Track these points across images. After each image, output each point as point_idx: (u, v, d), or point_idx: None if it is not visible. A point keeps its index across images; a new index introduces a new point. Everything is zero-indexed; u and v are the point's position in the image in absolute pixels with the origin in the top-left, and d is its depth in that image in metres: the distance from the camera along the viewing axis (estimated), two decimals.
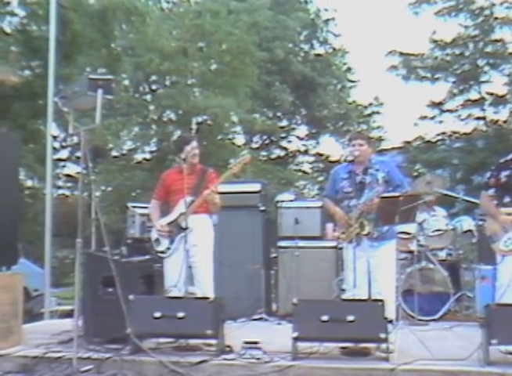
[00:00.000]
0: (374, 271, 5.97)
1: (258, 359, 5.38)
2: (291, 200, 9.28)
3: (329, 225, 8.79)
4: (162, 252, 6.38)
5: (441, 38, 25.39)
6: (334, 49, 30.01)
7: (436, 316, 7.93)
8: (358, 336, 5.40)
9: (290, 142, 30.56)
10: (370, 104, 30.47)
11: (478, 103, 25.55)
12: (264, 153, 29.14)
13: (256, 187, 8.84)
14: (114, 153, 23.84)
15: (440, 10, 24.88)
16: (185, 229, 6.08)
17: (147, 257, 6.68)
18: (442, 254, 8.72)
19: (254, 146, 28.84)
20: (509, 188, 5.81)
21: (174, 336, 5.86)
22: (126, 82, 22.00)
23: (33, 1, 16.58)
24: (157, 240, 6.42)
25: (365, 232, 5.93)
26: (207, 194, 6.26)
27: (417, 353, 5.44)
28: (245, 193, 8.65)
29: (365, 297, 5.84)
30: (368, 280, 5.96)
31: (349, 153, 6.16)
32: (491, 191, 5.86)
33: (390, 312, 5.68)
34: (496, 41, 24.34)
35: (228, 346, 5.70)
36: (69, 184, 23.55)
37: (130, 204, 7.78)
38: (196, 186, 6.33)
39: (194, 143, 6.45)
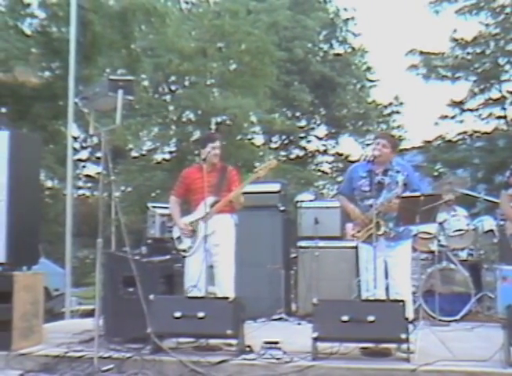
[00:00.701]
0: (392, 271, 5.97)
1: (278, 359, 5.38)
2: (311, 200, 9.27)
3: (349, 225, 8.71)
4: (184, 251, 6.39)
5: (461, 37, 25.17)
6: (354, 49, 29.93)
7: (457, 317, 7.88)
8: (379, 336, 5.38)
9: (309, 142, 30.53)
10: (390, 104, 30.34)
11: (499, 101, 25.32)
12: (283, 153, 29.13)
13: (275, 187, 8.84)
14: (134, 154, 23.95)
15: (461, 8, 24.66)
16: (207, 229, 6.09)
17: (167, 257, 6.70)
18: (463, 255, 8.67)
19: (274, 146, 28.83)
20: None
21: (195, 336, 5.87)
22: (146, 83, 22.09)
23: (53, 2, 16.67)
24: (179, 238, 6.43)
25: (380, 232, 5.90)
26: (232, 197, 6.27)
27: (438, 354, 5.42)
28: (265, 193, 8.64)
29: (382, 297, 5.83)
30: (386, 279, 5.95)
31: (370, 152, 6.16)
32: (511, 190, 5.82)
33: (408, 311, 5.65)
34: None
35: (249, 346, 5.70)
36: (89, 184, 23.70)
37: (150, 204, 7.80)
38: (217, 185, 6.34)
39: (217, 143, 6.46)
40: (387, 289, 6.01)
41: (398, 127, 29.85)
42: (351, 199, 6.25)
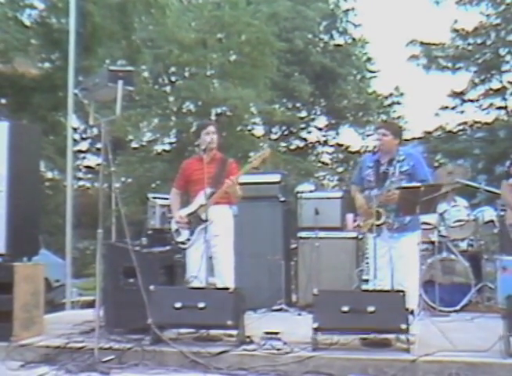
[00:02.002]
0: (396, 262, 5.92)
1: (279, 349, 5.39)
2: (311, 191, 9.26)
3: (350, 216, 8.76)
4: (182, 243, 6.40)
5: (462, 27, 25.13)
6: (354, 39, 29.81)
7: (457, 307, 7.90)
8: (379, 327, 5.39)
9: (309, 132, 30.45)
10: (391, 94, 30.23)
11: (500, 92, 25.29)
12: (283, 144, 29.08)
13: (276, 178, 8.84)
14: (134, 145, 23.90)
15: None
16: (205, 220, 6.09)
17: (168, 247, 6.70)
18: (463, 245, 8.68)
19: (274, 137, 28.77)
20: None
21: (195, 326, 5.88)
22: (146, 74, 22.03)
23: None
24: (177, 230, 6.45)
25: (379, 222, 5.88)
26: (227, 187, 6.27)
27: (438, 344, 5.42)
28: (265, 184, 8.65)
29: (386, 287, 5.82)
30: (391, 271, 5.94)
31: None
32: (511, 180, 5.81)
33: (413, 303, 5.65)
34: None
35: (249, 337, 5.71)
36: (89, 175, 23.69)
37: (150, 195, 7.80)
38: (216, 176, 6.34)
39: (211, 128, 6.47)
40: (392, 280, 5.99)
41: (399, 117, 29.73)
42: (362, 189, 6.24)
